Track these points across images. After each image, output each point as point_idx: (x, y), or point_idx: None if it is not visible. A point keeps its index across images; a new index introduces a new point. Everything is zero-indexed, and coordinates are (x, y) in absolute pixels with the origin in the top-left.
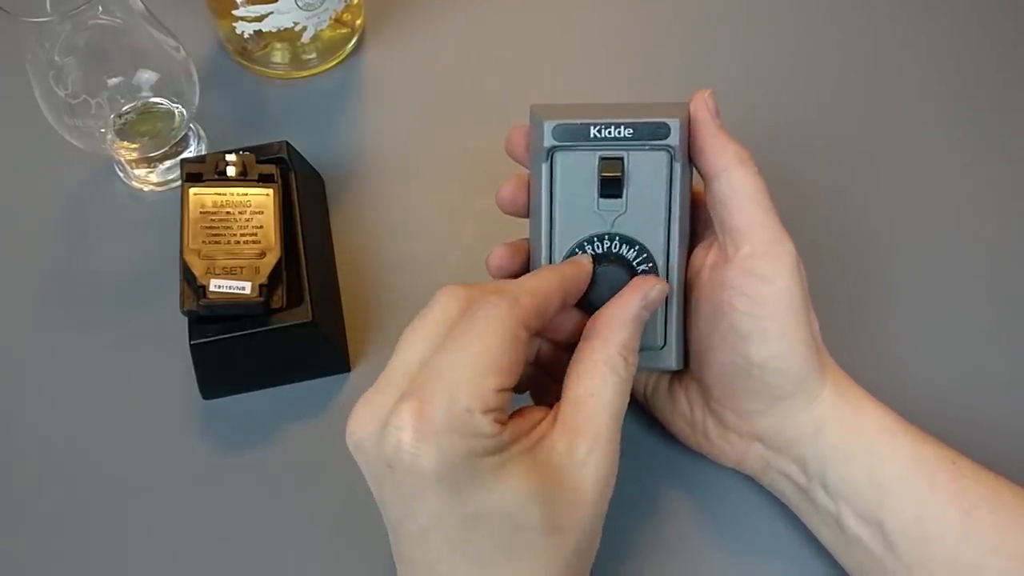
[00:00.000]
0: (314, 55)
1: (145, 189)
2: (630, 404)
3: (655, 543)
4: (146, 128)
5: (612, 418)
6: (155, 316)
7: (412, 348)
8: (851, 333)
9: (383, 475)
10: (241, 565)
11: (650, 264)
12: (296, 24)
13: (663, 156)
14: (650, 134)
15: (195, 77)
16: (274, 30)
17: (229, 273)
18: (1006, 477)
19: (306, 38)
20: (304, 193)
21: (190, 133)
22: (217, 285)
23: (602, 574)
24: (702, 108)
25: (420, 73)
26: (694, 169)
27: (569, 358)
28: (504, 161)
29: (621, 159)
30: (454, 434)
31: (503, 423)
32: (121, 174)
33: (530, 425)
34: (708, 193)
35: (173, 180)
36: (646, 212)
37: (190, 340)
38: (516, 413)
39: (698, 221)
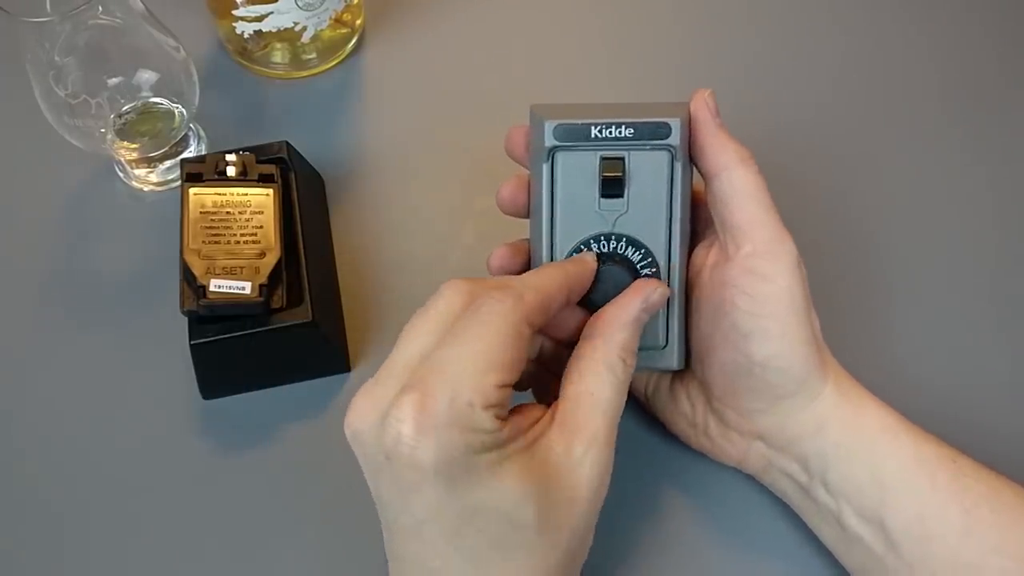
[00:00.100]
0: (314, 55)
1: (145, 189)
2: (631, 404)
3: (656, 543)
4: (146, 128)
5: (609, 418)
6: (155, 316)
7: (414, 341)
8: (851, 333)
9: (381, 467)
10: (241, 565)
11: (652, 263)
12: (296, 24)
13: (664, 156)
14: (651, 134)
15: (195, 77)
16: (274, 30)
17: (229, 273)
18: (1007, 476)
19: (306, 38)
20: (304, 193)
21: (190, 133)
22: (217, 285)
23: (602, 574)
24: (702, 107)
25: (420, 73)
26: (694, 168)
27: (570, 355)
28: (504, 161)
29: (622, 159)
30: (454, 428)
31: (503, 419)
32: (121, 174)
33: (528, 423)
34: (709, 192)
35: (173, 180)
36: (647, 212)
37: (190, 340)
38: (514, 410)
39: (698, 220)
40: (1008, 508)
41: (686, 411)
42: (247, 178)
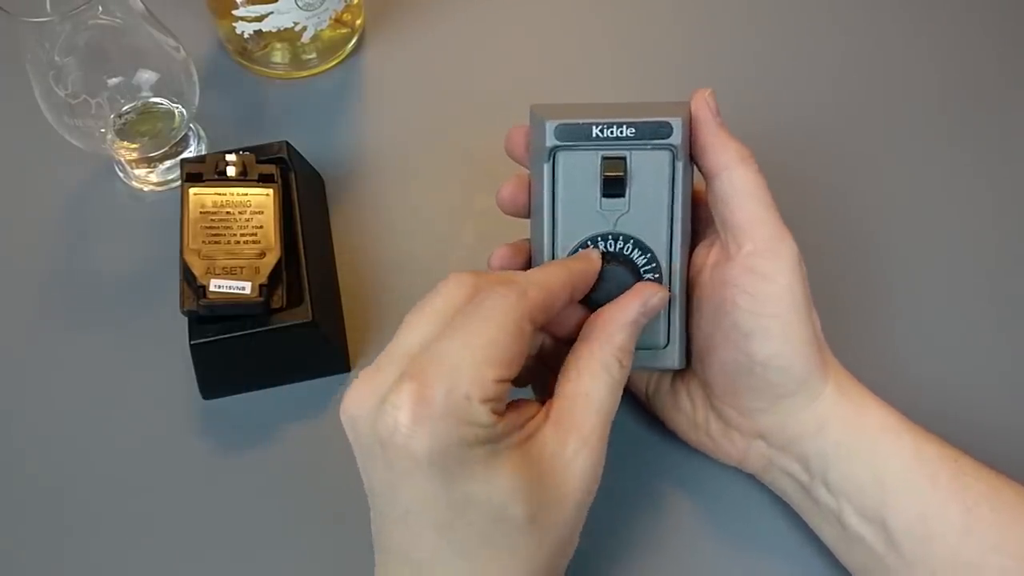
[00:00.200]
0: (314, 55)
1: (145, 189)
2: (631, 403)
3: (656, 542)
4: (146, 128)
5: (603, 418)
6: (155, 316)
7: (415, 330)
8: (851, 333)
9: (374, 453)
10: (241, 565)
11: (653, 263)
12: (296, 24)
13: (665, 155)
14: (652, 133)
15: (195, 77)
16: (274, 30)
17: (229, 273)
18: (1007, 476)
19: (306, 38)
20: (304, 193)
21: (190, 133)
22: (217, 285)
23: (602, 574)
24: (703, 107)
25: (420, 73)
26: (695, 168)
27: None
28: (504, 161)
29: (624, 158)
30: (450, 420)
31: (500, 414)
32: (121, 174)
33: (523, 419)
34: (709, 191)
35: (173, 180)
36: (649, 211)
37: (190, 340)
38: (510, 406)
39: (699, 220)
40: (1008, 507)
41: (687, 410)
42: (247, 178)
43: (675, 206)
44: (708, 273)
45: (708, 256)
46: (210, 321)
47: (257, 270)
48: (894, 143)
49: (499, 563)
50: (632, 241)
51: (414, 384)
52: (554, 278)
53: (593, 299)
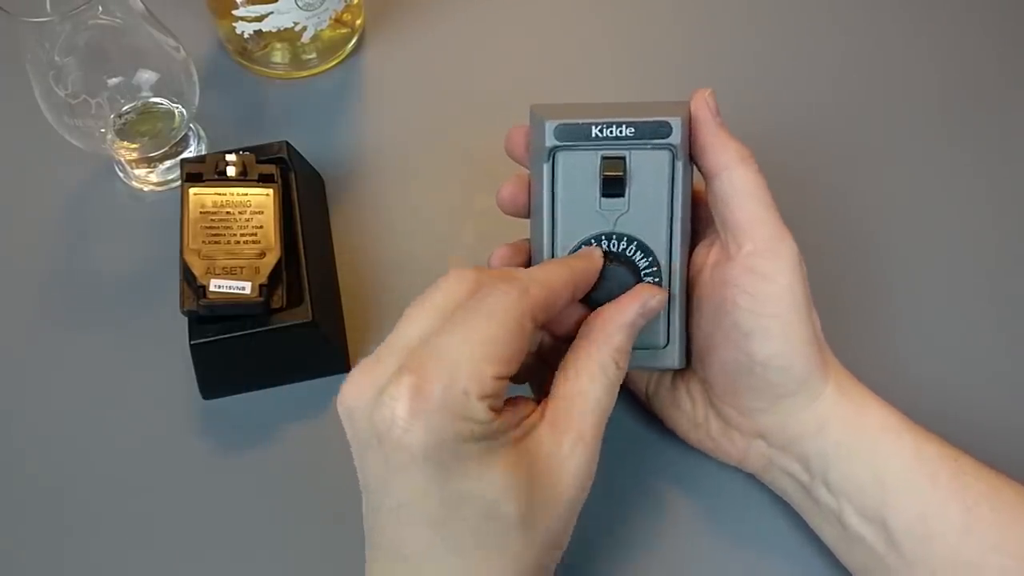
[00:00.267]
0: (314, 55)
1: (145, 189)
2: (631, 402)
3: (655, 541)
4: (146, 128)
5: (598, 419)
6: (155, 316)
7: (415, 323)
8: (851, 333)
9: (370, 445)
10: (241, 565)
11: (653, 263)
12: (296, 24)
13: (665, 155)
14: (652, 133)
15: (195, 77)
16: (274, 30)
17: (229, 273)
18: (1007, 475)
19: (306, 38)
20: (304, 193)
21: (190, 133)
22: (217, 285)
23: (602, 574)
24: (703, 107)
25: (420, 73)
26: (695, 167)
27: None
28: (504, 161)
29: (623, 158)
30: (447, 415)
31: (497, 411)
32: (121, 174)
33: (520, 417)
34: (709, 191)
35: (173, 180)
36: (648, 211)
37: (190, 340)
38: (507, 403)
39: (699, 220)
40: (1008, 507)
41: (687, 410)
42: (247, 178)
43: (675, 206)
44: (708, 273)
45: (708, 256)
46: (210, 321)
47: (257, 270)
48: (894, 143)
49: (489, 561)
50: (632, 241)
51: (413, 377)
52: (556, 276)
53: (593, 298)
